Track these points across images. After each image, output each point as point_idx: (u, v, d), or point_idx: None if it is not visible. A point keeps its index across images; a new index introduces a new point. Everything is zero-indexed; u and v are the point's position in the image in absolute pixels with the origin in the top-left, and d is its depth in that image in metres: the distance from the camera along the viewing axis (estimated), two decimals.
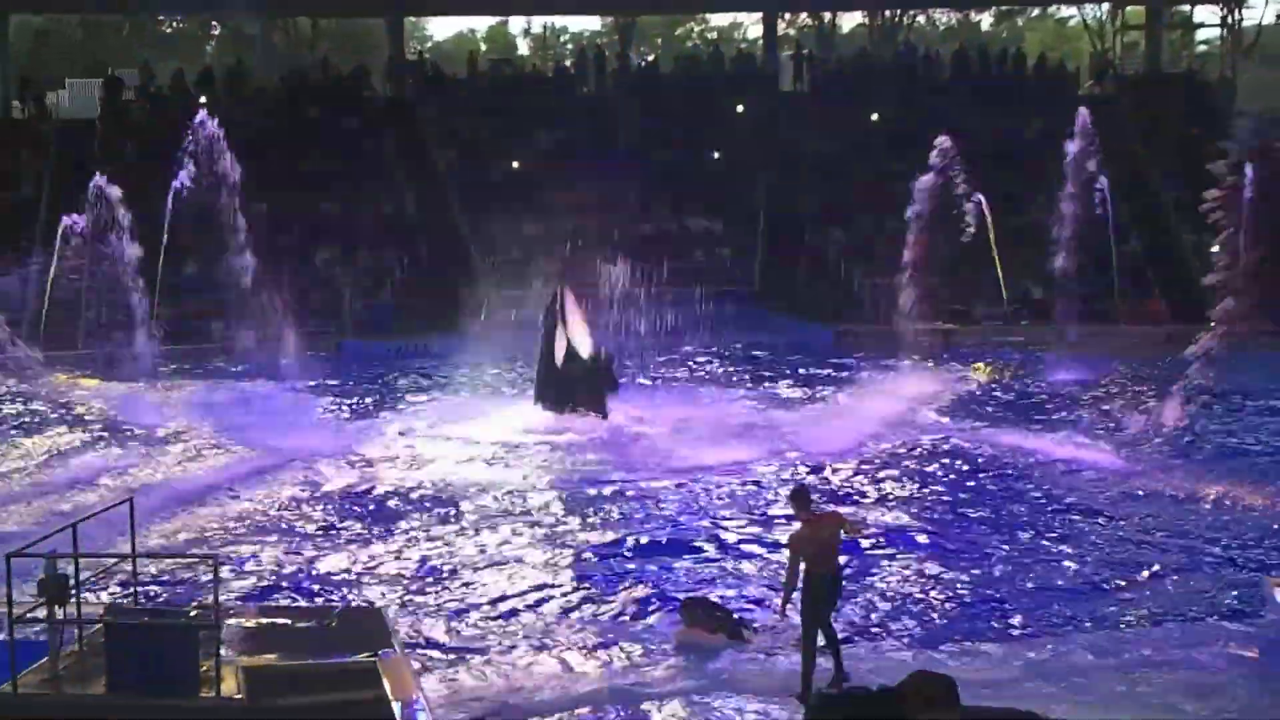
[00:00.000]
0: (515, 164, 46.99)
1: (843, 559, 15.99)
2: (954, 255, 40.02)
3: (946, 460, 26.10)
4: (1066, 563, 19.36)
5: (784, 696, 14.40)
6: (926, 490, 23.91)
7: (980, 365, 36.81)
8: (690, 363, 38.22)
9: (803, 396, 33.33)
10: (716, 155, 47.27)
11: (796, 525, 15.32)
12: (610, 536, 20.92)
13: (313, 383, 34.83)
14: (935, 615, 17.27)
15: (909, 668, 13.41)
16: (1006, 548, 20.24)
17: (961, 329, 40.79)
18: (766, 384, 34.93)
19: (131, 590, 14.90)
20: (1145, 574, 18.69)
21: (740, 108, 49.39)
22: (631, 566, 19.34)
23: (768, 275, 43.87)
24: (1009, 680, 14.53)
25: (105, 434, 29.26)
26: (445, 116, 48.47)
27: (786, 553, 15.37)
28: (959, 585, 18.37)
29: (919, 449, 26.97)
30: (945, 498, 23.39)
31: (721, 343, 39.31)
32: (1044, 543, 20.52)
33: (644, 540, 20.58)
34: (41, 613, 13.49)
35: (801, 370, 36.86)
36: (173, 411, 31.13)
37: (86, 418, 31.20)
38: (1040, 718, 5.76)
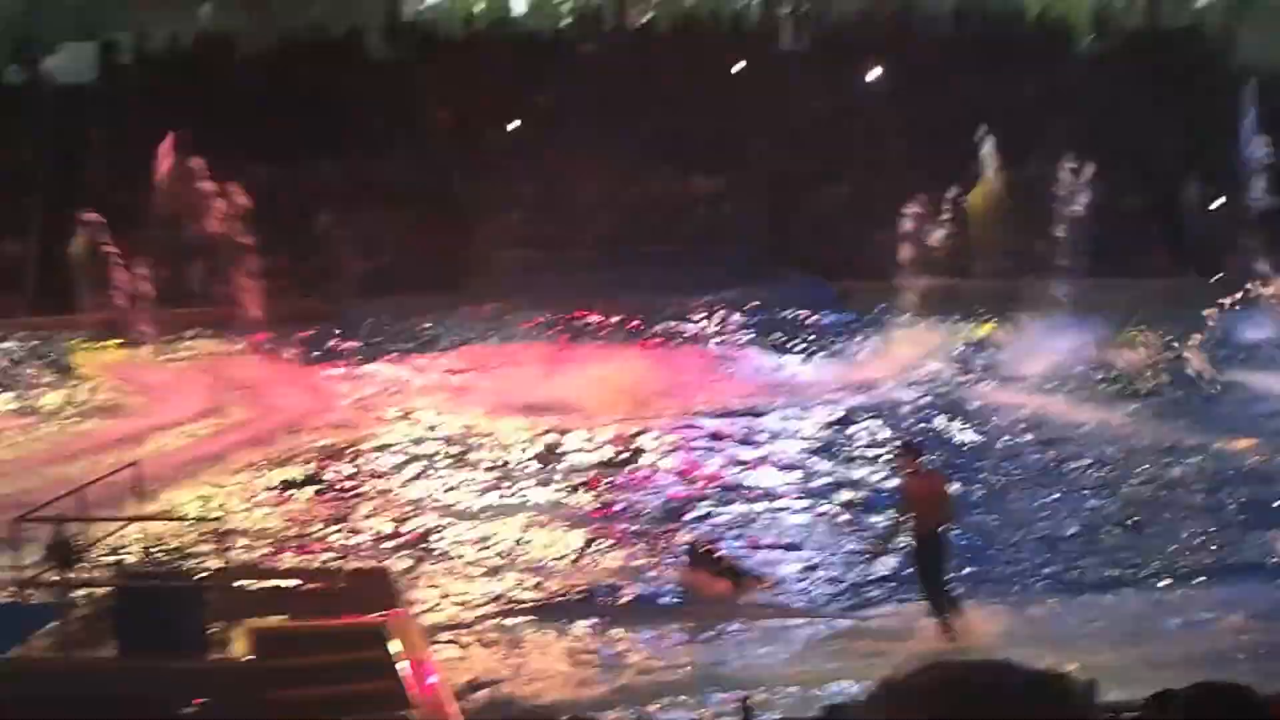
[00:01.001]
0: (512, 125, 46.85)
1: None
2: (953, 211, 39.90)
3: (968, 416, 26.22)
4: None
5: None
6: (964, 444, 24.06)
7: (984, 321, 36.66)
8: (693, 319, 38.11)
9: (814, 350, 33.39)
10: (716, 114, 47.13)
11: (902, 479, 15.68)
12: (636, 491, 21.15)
13: (316, 348, 34.74)
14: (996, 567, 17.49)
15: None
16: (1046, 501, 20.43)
17: (963, 284, 40.63)
18: (775, 340, 34.90)
19: (140, 554, 14.97)
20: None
21: (739, 66, 49.17)
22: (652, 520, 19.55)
23: (770, 233, 43.74)
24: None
25: (110, 397, 29.27)
26: (442, 79, 48.25)
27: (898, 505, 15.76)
28: (1000, 539, 18.60)
29: (938, 402, 27.12)
30: (981, 453, 23.54)
31: (725, 301, 39.19)
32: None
33: (666, 494, 20.81)
34: (51, 577, 13.58)
35: (808, 325, 36.74)
36: (176, 376, 31.15)
37: (91, 382, 31.21)
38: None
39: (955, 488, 19.47)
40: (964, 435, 24.92)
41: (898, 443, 20.00)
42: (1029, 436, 24.87)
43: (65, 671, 12.63)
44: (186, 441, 25.19)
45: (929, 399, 27.63)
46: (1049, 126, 39.50)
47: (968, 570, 17.24)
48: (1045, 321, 35.93)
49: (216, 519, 15.24)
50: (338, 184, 43.95)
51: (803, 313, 37.92)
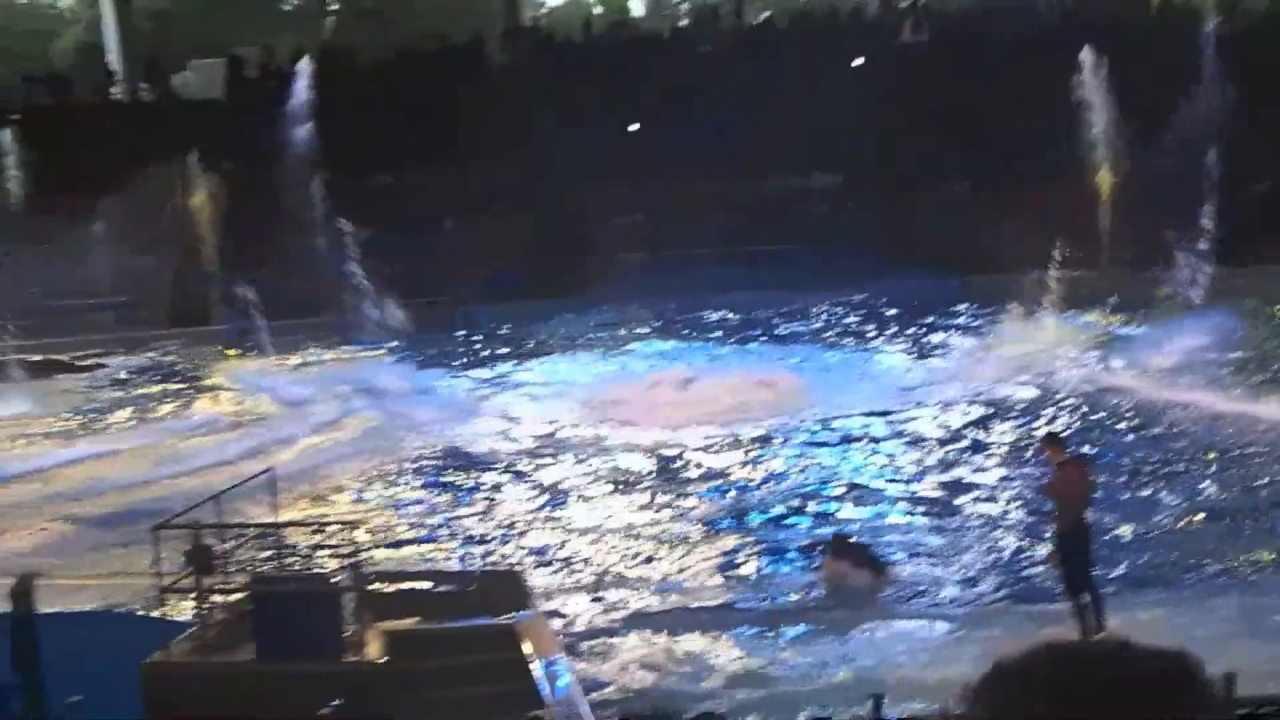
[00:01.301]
0: (631, 126, 46.98)
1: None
2: (1080, 202, 39.36)
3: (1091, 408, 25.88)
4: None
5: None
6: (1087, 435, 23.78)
7: (1104, 312, 36.00)
8: (814, 316, 37.87)
9: (939, 347, 33.07)
10: (836, 110, 46.84)
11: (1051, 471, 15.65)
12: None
13: (439, 354, 35.03)
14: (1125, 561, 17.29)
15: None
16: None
17: (1087, 276, 39.93)
18: (896, 336, 34.63)
19: (275, 559, 15.17)
20: None
21: (858, 61, 48.84)
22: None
23: (891, 228, 43.35)
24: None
25: (245, 406, 29.77)
26: (561, 82, 48.44)
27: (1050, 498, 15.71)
28: (1145, 532, 18.37)
29: (1061, 396, 26.79)
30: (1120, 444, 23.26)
31: (846, 298, 38.91)
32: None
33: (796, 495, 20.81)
34: (189, 583, 13.82)
35: (932, 321, 36.36)
36: (307, 384, 31.59)
37: (226, 390, 31.78)
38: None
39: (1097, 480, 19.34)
40: (1101, 427, 24.54)
41: (1040, 435, 19.88)
42: (1164, 427, 24.41)
43: (204, 675, 12.84)
44: (318, 448, 25.50)
45: (1062, 392, 27.22)
46: (1173, 113, 38.73)
47: (1113, 563, 17.05)
48: (1179, 310, 35.26)
49: (349, 524, 15.39)
50: (458, 190, 44.36)
51: (926, 308, 37.55)
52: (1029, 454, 21.97)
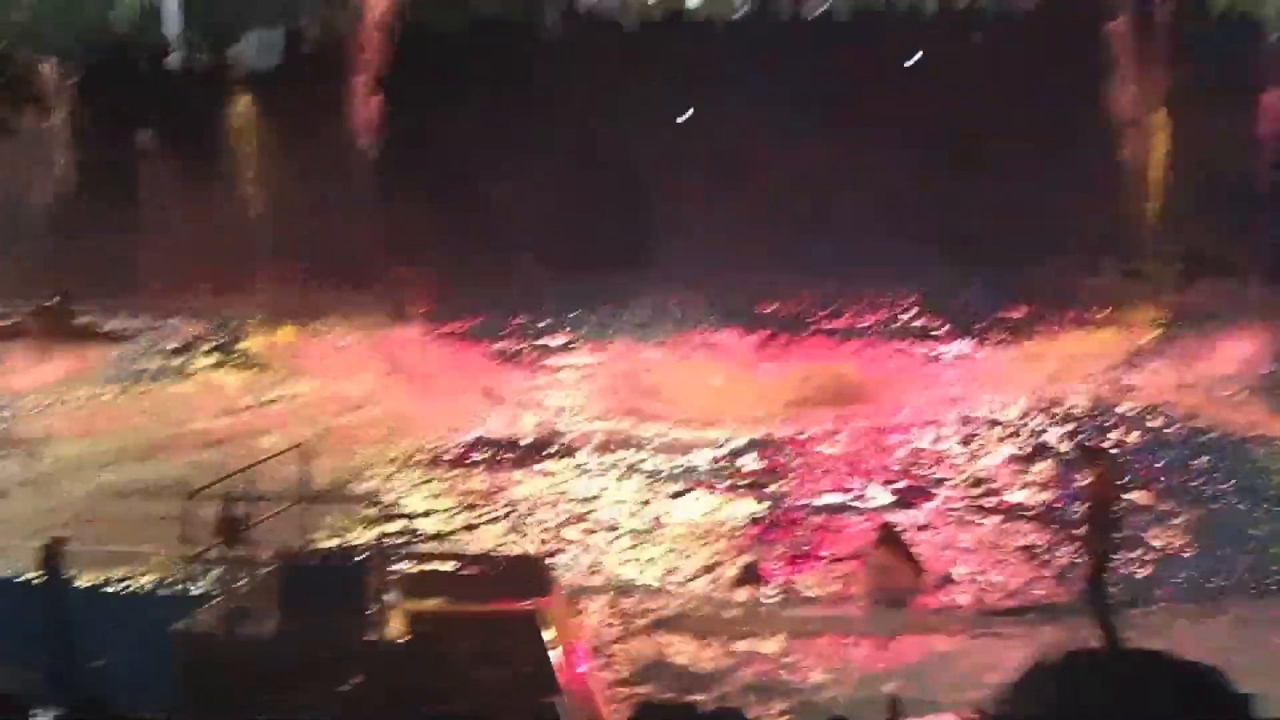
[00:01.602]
0: (688, 114, 46.99)
1: None
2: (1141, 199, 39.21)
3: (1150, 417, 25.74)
4: None
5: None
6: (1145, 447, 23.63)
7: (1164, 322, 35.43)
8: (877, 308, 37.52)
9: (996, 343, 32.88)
10: (898, 100, 46.55)
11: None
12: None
13: (489, 329, 34.75)
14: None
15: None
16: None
17: (1149, 276, 39.37)
18: (953, 330, 34.37)
19: (303, 534, 15.28)
20: None
21: (918, 55, 48.58)
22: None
23: (955, 219, 43.00)
24: None
25: (282, 377, 29.86)
26: (620, 66, 48.27)
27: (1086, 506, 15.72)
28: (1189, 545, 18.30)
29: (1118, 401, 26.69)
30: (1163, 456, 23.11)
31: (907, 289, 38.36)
32: None
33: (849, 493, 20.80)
34: (217, 554, 13.95)
35: (991, 316, 35.85)
36: (344, 356, 31.65)
37: (265, 361, 31.95)
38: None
39: (1137, 493, 19.24)
40: (1146, 437, 24.35)
41: (1078, 444, 19.84)
42: (1210, 438, 24.20)
43: (228, 646, 12.96)
44: (352, 422, 25.56)
45: (1111, 397, 27.02)
46: (1238, 112, 38.39)
47: (1151, 575, 17.04)
48: (1231, 318, 34.69)
49: (378, 501, 15.48)
50: (518, 168, 44.33)
51: (984, 303, 37.07)
52: (1064, 461, 21.83)
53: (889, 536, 17.50)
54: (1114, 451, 21.19)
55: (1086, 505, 15.63)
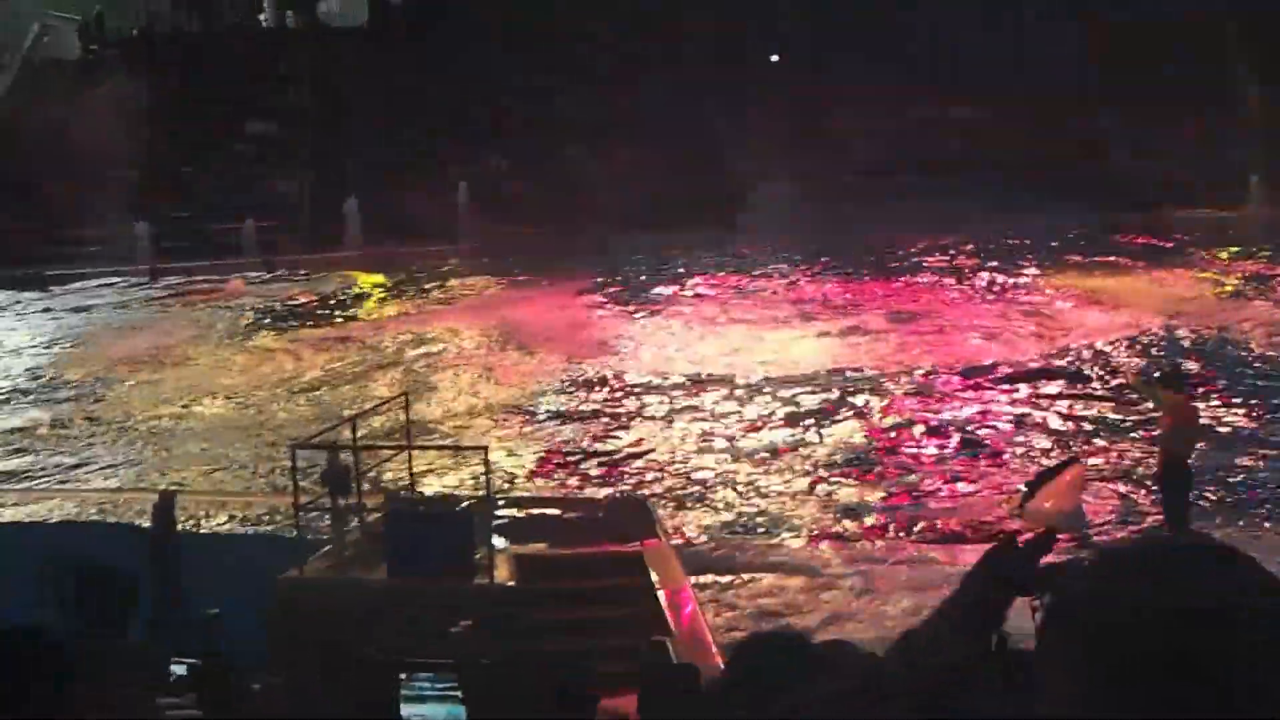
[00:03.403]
0: (774, 58, 46.65)
1: None
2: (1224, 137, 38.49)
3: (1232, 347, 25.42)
4: None
5: None
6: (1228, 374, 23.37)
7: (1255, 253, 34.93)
8: (954, 252, 37.21)
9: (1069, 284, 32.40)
10: (976, 42, 45.99)
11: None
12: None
13: (576, 283, 34.90)
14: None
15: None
16: None
17: (1233, 213, 38.80)
18: (1030, 271, 33.94)
19: (409, 480, 15.41)
20: None
21: None
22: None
23: (1030, 161, 42.47)
24: None
25: (382, 332, 30.10)
26: (698, 12, 48.01)
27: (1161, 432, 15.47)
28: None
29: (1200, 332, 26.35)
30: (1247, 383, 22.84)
31: (985, 232, 38.06)
32: None
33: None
34: (325, 503, 14.12)
35: (1072, 256, 35.51)
36: (440, 312, 31.90)
37: (365, 316, 32.27)
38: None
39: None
40: (1228, 366, 24.06)
41: (1157, 372, 19.60)
42: None
43: (338, 592, 13.10)
44: (449, 376, 25.70)
45: (1193, 329, 26.68)
46: None
47: (1226, 500, 16.86)
48: None
49: (483, 448, 15.55)
50: (596, 121, 44.27)
51: (1060, 243, 36.66)
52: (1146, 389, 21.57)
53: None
54: None
55: (1168, 431, 15.23)
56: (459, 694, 10.49)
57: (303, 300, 34.33)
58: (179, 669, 9.52)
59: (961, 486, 18.27)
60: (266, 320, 31.99)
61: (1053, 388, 23.07)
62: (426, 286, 35.14)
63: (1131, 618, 1.49)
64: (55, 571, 11.85)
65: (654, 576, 13.02)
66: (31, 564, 12.48)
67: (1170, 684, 1.47)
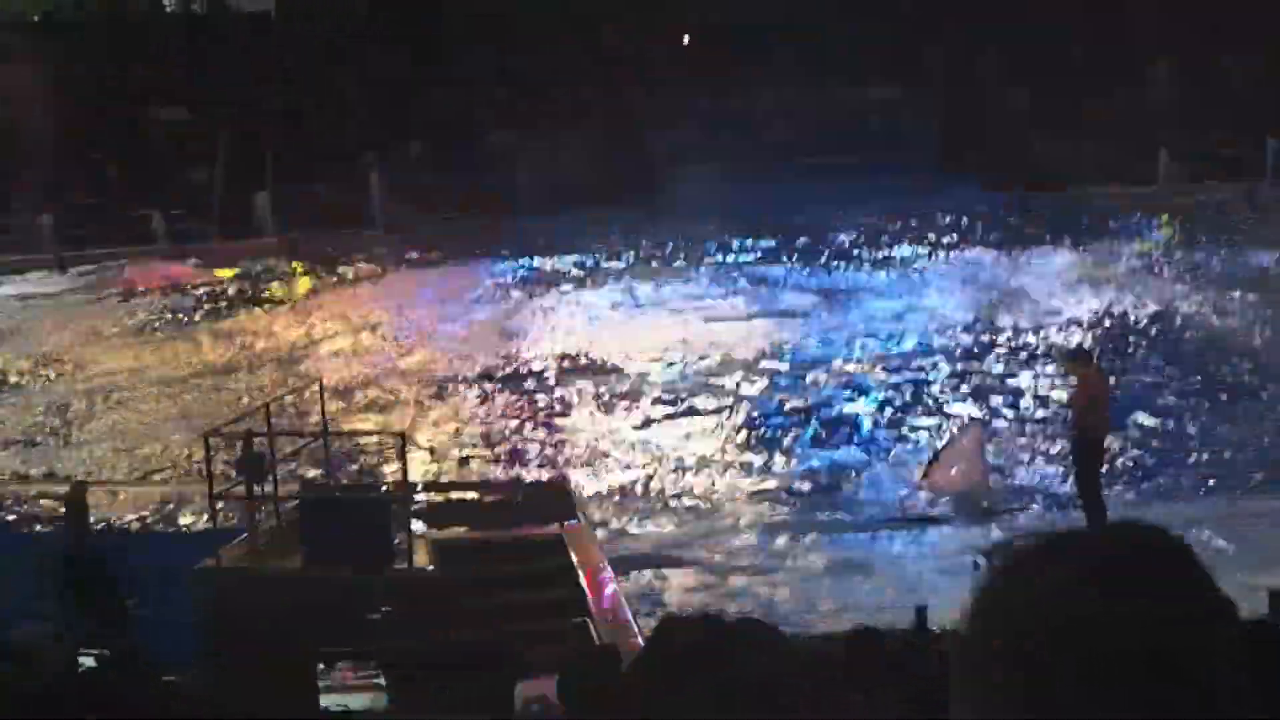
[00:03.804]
0: (685, 39, 46.68)
1: None
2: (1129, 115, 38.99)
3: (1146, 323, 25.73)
4: None
5: None
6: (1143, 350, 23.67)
7: (1166, 222, 35.40)
8: (874, 231, 37.29)
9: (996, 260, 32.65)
10: (891, 20, 46.19)
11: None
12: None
13: (494, 266, 34.76)
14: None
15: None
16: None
17: (1145, 189, 39.28)
18: (951, 250, 34.15)
19: (325, 468, 15.26)
20: None
21: None
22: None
23: (948, 141, 42.79)
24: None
25: (296, 316, 29.82)
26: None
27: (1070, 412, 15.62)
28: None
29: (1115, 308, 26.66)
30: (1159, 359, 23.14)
31: (904, 211, 38.12)
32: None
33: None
34: (240, 491, 13.93)
35: (991, 235, 35.73)
36: (355, 296, 31.66)
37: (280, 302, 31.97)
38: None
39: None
40: (1143, 341, 24.37)
41: (1068, 349, 19.82)
42: (1211, 344, 24.20)
43: (254, 581, 12.93)
44: (367, 358, 25.54)
45: (1108, 305, 27.00)
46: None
47: (1138, 478, 17.08)
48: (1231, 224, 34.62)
49: (399, 433, 15.42)
50: (515, 106, 44.09)
51: (982, 222, 36.92)
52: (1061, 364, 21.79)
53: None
54: None
55: (1078, 408, 15.37)
56: (379, 682, 10.40)
57: (210, 289, 33.90)
58: (88, 660, 9.35)
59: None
60: (167, 312, 31.53)
61: None
62: (332, 274, 34.79)
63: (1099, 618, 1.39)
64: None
65: (574, 558, 12.97)
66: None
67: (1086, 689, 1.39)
